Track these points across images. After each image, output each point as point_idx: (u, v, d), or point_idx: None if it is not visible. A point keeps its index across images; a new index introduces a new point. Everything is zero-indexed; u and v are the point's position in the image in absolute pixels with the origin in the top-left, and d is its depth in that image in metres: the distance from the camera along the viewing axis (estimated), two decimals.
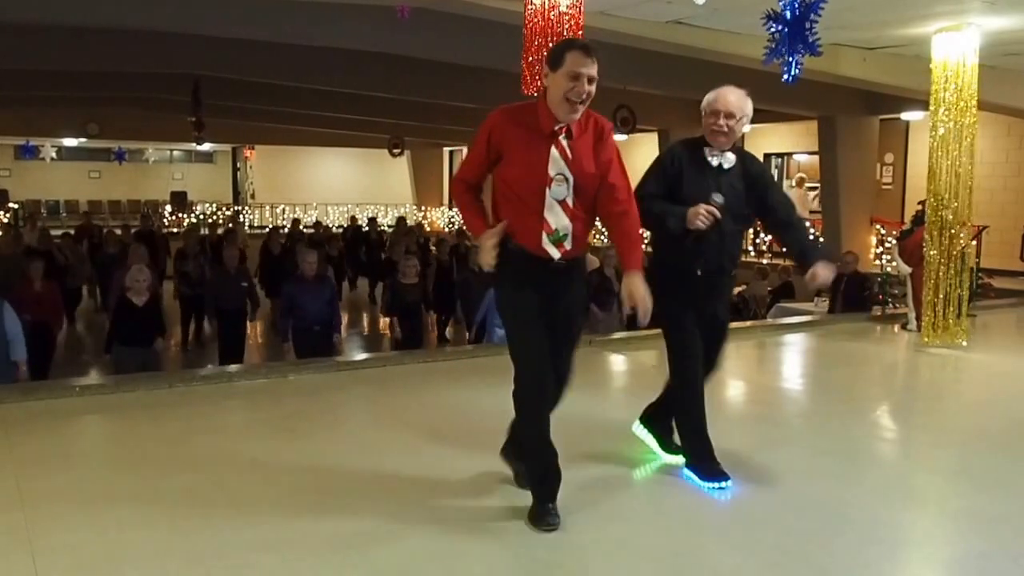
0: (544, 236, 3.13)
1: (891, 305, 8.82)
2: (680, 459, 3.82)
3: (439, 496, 3.56)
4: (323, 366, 6.00)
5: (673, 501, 3.55)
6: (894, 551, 3.15)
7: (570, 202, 3.14)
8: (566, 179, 3.12)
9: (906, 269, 7.99)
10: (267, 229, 17.07)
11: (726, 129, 3.61)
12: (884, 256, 13.24)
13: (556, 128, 3.13)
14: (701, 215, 3.50)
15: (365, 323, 14.55)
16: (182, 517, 3.31)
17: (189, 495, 3.55)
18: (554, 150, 3.12)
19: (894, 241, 11.61)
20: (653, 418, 4.04)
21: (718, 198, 3.56)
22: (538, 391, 3.19)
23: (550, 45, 5.75)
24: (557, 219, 3.14)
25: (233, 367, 6.99)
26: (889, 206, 14.92)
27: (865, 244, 13.97)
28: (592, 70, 3.07)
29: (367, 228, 17.12)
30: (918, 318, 7.70)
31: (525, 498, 3.28)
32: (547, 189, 3.11)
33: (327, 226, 19.67)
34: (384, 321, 11.24)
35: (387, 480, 3.76)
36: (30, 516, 3.30)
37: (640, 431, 4.09)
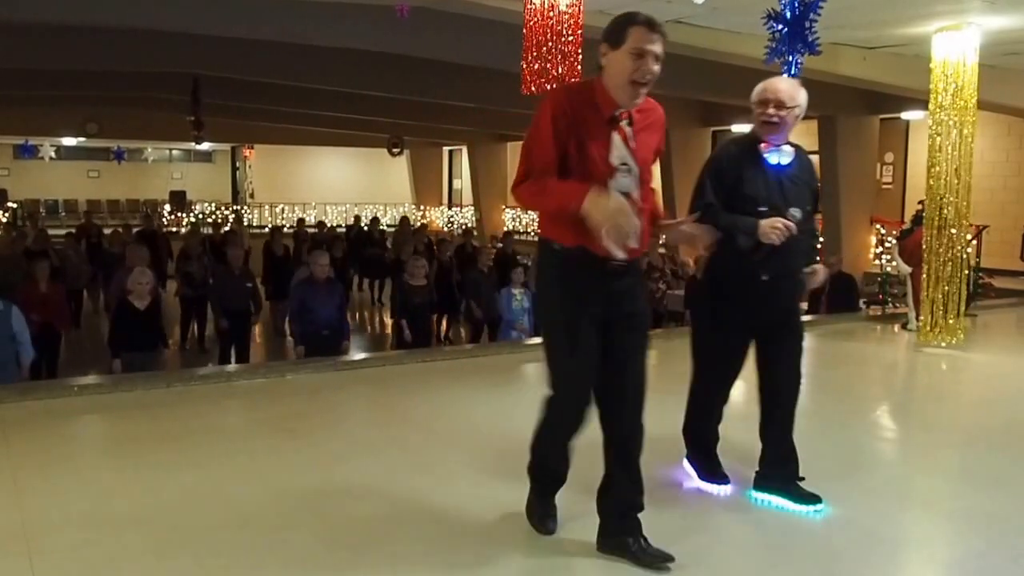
0: None
1: (891, 305, 8.82)
2: (811, 507, 3.40)
3: (438, 496, 3.55)
4: (322, 366, 5.99)
5: (673, 501, 3.53)
6: (895, 551, 3.15)
7: (636, 195, 2.83)
8: (630, 169, 2.81)
9: (906, 269, 7.99)
10: (267, 228, 16.99)
11: (776, 119, 3.33)
12: (884, 256, 13.23)
13: (617, 113, 2.80)
14: (778, 230, 3.21)
15: (368, 324, 14.54)
16: (180, 517, 3.30)
17: (188, 495, 3.54)
18: (616, 137, 2.79)
19: (894, 241, 11.61)
20: (767, 476, 3.52)
21: (796, 213, 3.30)
22: (576, 409, 2.91)
23: (550, 45, 5.76)
24: None
25: (232, 367, 6.99)
26: (889, 206, 14.90)
27: (865, 244, 13.96)
28: (659, 47, 2.73)
29: (369, 228, 17.01)
30: (918, 318, 7.70)
31: (525, 497, 3.26)
32: (610, 181, 2.77)
33: (331, 226, 19.34)
34: (390, 322, 11.10)
35: (386, 480, 3.75)
36: (27, 516, 3.29)
37: (762, 497, 3.52)
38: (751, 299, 3.36)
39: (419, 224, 20.28)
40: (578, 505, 3.18)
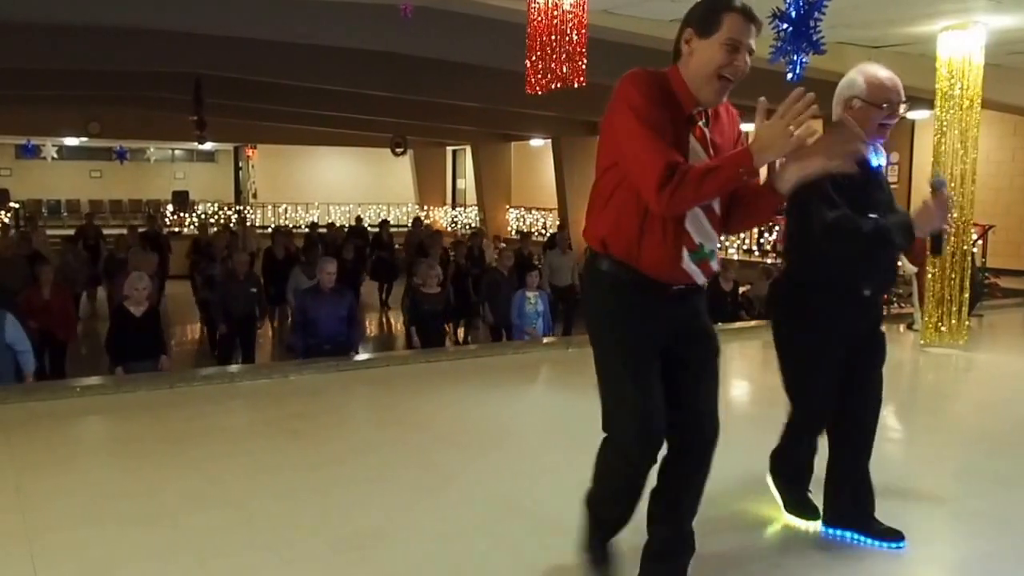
0: (685, 254, 2.40)
1: (896, 305, 8.79)
2: (892, 545, 3.10)
3: (440, 496, 3.55)
4: (325, 366, 5.98)
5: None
6: (900, 551, 3.12)
7: (716, 208, 2.45)
8: None
9: (912, 269, 7.96)
10: (270, 229, 16.84)
11: (895, 121, 2.95)
12: None
13: (695, 111, 2.42)
14: (939, 211, 2.84)
15: (375, 327, 14.50)
16: (183, 517, 3.30)
17: (190, 495, 3.54)
18: (693, 139, 2.40)
19: None
20: (835, 509, 3.17)
21: (942, 179, 2.96)
22: (641, 455, 2.48)
23: (554, 44, 5.74)
24: (701, 231, 2.42)
25: (235, 367, 6.98)
26: None
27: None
28: (753, 41, 2.36)
29: (379, 230, 16.77)
30: (923, 318, 7.67)
31: (525, 498, 3.24)
32: None
33: (340, 226, 18.70)
34: (397, 324, 10.92)
35: (389, 480, 3.75)
36: (29, 517, 3.29)
37: (833, 533, 3.19)
38: (851, 316, 3.01)
39: (428, 227, 19.72)
40: (578, 505, 3.11)
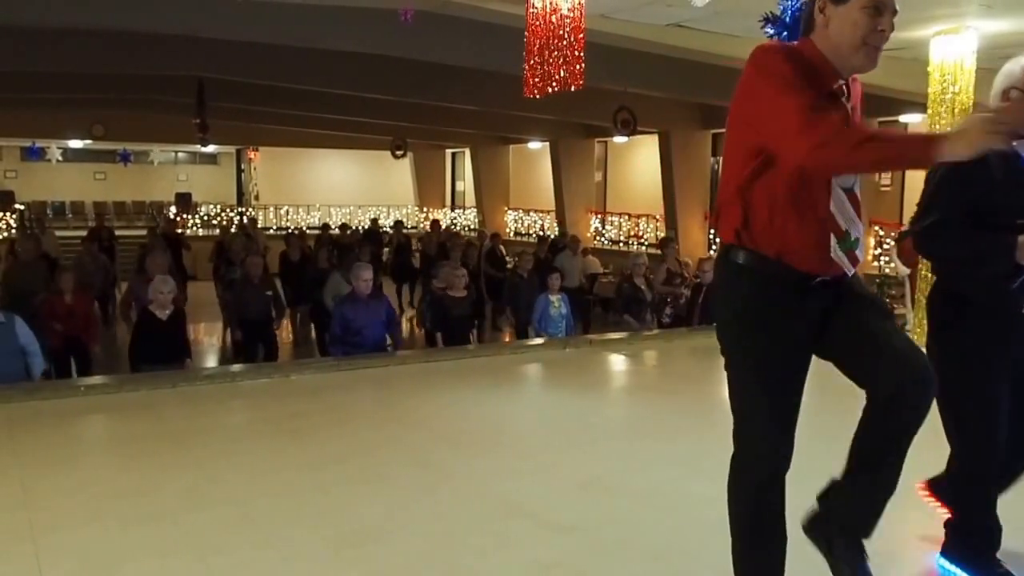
0: (833, 242, 2.17)
1: (890, 306, 8.84)
2: None
3: (439, 495, 3.59)
4: (325, 366, 6.03)
5: (675, 501, 3.56)
6: (897, 551, 3.15)
7: (858, 191, 2.22)
8: None
9: (904, 270, 8.01)
10: (272, 230, 16.84)
11: None
12: (883, 257, 13.25)
13: (837, 85, 2.16)
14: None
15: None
16: (184, 515, 3.34)
17: (192, 494, 3.58)
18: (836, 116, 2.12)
19: (892, 242, 11.62)
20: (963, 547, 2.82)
21: None
22: (770, 475, 2.26)
23: (552, 48, 5.80)
24: (846, 216, 2.18)
25: (236, 367, 7.03)
26: (888, 207, 14.91)
27: (864, 245, 13.97)
28: (896, 2, 2.13)
29: (394, 231, 16.62)
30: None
31: (526, 498, 3.27)
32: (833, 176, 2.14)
33: (354, 229, 18.34)
34: (420, 331, 10.60)
35: (388, 479, 3.79)
36: (34, 515, 3.33)
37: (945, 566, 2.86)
38: (1013, 337, 2.64)
39: (448, 229, 19.17)
40: (578, 504, 3.17)
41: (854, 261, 2.21)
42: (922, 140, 2.02)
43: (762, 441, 2.23)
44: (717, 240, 2.19)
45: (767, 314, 2.18)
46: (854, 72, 2.18)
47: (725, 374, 2.29)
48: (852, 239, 2.19)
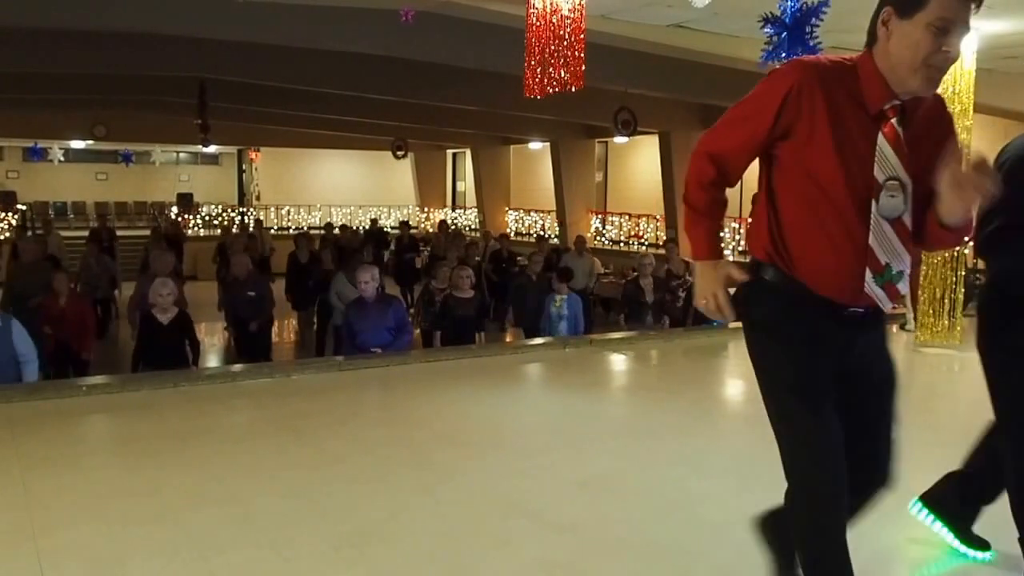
0: (868, 276, 2.06)
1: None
2: (984, 553, 3.01)
3: (440, 495, 3.60)
4: (326, 366, 6.04)
5: (675, 501, 3.56)
6: (896, 551, 3.15)
7: (907, 221, 2.07)
8: (902, 186, 2.03)
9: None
10: (274, 230, 16.82)
11: None
12: None
13: (887, 107, 2.02)
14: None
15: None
16: (185, 514, 3.35)
17: (192, 493, 3.59)
18: (883, 140, 2.01)
19: None
20: (946, 501, 3.06)
21: None
22: (833, 500, 2.14)
23: (552, 48, 5.81)
24: (888, 249, 2.06)
25: (237, 367, 7.04)
26: None
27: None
28: (970, 19, 1.97)
29: (399, 231, 16.58)
30: (916, 318, 7.74)
31: (526, 498, 3.28)
32: (873, 202, 2.02)
33: (355, 229, 18.32)
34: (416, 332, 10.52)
35: (389, 480, 3.79)
36: (36, 515, 3.34)
37: (925, 518, 3.08)
38: None
39: (456, 229, 19.28)
40: (578, 504, 3.16)
41: (892, 295, 2.11)
42: (696, 245, 2.13)
43: (826, 470, 2.12)
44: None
45: (793, 333, 2.11)
46: (911, 95, 2.03)
47: (757, 386, 2.25)
48: (893, 272, 2.07)
